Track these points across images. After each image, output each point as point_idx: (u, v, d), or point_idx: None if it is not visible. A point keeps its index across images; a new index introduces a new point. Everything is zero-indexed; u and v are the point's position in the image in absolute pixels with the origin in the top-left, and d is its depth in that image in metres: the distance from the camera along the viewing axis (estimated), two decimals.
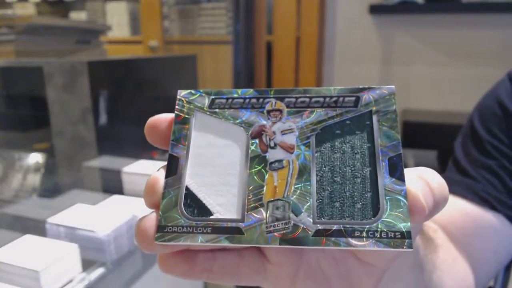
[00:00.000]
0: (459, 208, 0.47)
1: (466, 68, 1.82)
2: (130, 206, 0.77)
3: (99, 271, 0.66)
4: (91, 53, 1.20)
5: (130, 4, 2.27)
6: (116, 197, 0.81)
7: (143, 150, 1.04)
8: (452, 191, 0.48)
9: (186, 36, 2.10)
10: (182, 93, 0.23)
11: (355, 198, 0.19)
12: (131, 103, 1.03)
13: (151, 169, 0.86)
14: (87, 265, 0.66)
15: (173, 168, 0.21)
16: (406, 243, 0.18)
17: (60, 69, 0.87)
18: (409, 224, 0.18)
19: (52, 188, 0.91)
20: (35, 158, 0.89)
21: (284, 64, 1.94)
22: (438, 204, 0.19)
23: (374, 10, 1.84)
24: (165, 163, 0.21)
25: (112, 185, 0.89)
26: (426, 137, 1.63)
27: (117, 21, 2.28)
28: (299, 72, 1.94)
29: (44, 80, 0.88)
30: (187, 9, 2.11)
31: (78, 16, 2.42)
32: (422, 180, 0.19)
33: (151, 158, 1.02)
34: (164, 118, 0.22)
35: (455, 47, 1.82)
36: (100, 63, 0.97)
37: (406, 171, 0.20)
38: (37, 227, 0.72)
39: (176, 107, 0.22)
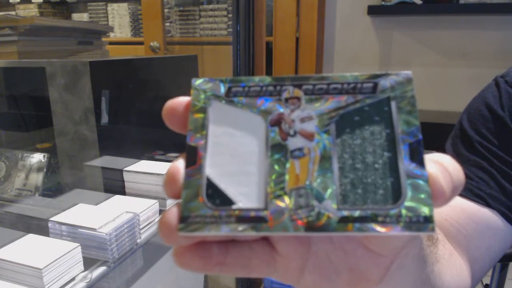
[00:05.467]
0: (454, 205, 0.48)
1: (464, 68, 1.83)
2: (132, 205, 0.78)
3: (101, 269, 0.67)
4: (93, 54, 1.20)
5: (131, 6, 2.28)
6: (117, 197, 0.82)
7: (145, 150, 1.04)
8: None
9: (187, 37, 2.11)
10: (196, 82, 0.22)
11: (377, 184, 0.19)
12: (132, 103, 1.03)
13: (152, 169, 0.87)
14: (89, 263, 0.66)
15: (192, 158, 0.20)
16: (430, 227, 0.18)
17: (62, 69, 0.88)
18: (431, 208, 0.18)
19: (55, 187, 0.91)
20: (38, 157, 0.90)
21: (283, 64, 1.95)
22: (456, 189, 0.19)
23: (373, 11, 1.84)
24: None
25: (113, 185, 0.89)
26: (424, 137, 1.64)
27: (119, 22, 2.29)
28: (299, 73, 1.95)
29: (46, 81, 0.89)
30: (188, 11, 2.13)
31: (80, 17, 2.43)
32: (440, 165, 0.19)
33: (153, 158, 1.03)
34: (181, 101, 0.22)
35: (453, 47, 1.83)
36: (102, 64, 0.97)
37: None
38: (40, 226, 0.72)
39: (192, 96, 0.22)
